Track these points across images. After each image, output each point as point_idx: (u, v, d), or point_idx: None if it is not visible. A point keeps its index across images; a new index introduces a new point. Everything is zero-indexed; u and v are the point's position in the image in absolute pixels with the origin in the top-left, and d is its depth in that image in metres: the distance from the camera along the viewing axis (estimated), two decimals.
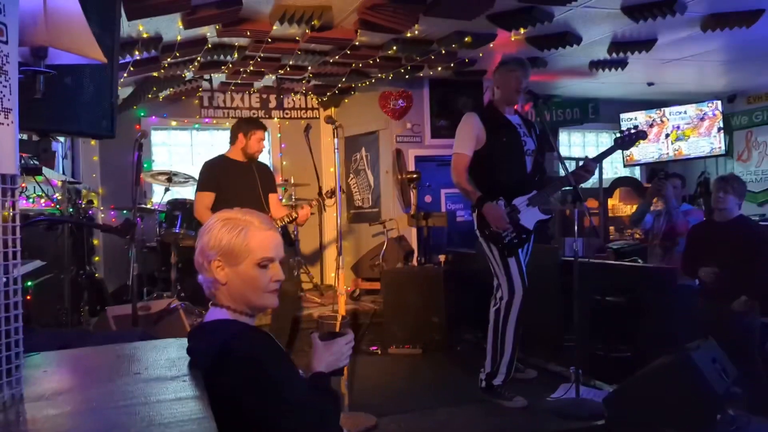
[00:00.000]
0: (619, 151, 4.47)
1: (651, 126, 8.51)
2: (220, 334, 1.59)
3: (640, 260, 5.46)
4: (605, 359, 4.16)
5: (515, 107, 4.09)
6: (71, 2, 1.58)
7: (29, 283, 3.77)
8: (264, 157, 7.73)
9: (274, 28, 4.75)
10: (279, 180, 7.43)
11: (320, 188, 5.12)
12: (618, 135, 3.98)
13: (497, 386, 3.91)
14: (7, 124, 1.32)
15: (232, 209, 1.67)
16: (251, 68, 6.04)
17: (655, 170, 8.99)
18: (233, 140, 4.53)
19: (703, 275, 3.90)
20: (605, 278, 4.32)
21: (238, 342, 1.55)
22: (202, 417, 1.25)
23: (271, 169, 7.76)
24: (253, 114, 7.58)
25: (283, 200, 6.19)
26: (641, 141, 4.11)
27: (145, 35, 4.71)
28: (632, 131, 3.93)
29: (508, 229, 3.78)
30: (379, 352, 5.42)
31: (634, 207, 8.16)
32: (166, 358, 1.69)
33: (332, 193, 4.63)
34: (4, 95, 1.31)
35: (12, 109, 1.34)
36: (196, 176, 6.21)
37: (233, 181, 4.41)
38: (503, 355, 3.89)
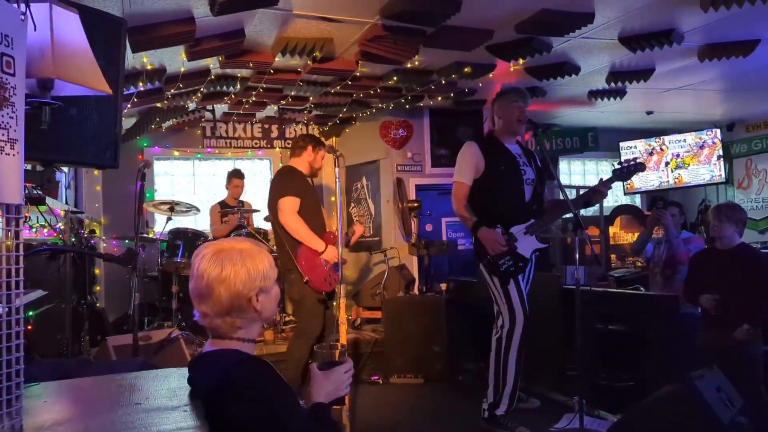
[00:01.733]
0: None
1: (651, 154, 8.56)
2: (222, 363, 1.58)
3: (642, 288, 5.43)
4: (609, 388, 4.12)
5: (514, 139, 4.12)
6: (78, 35, 1.61)
7: (30, 313, 3.76)
8: (266, 187, 7.81)
9: (277, 59, 4.81)
10: None
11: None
12: (617, 166, 4.01)
13: (500, 416, 3.87)
14: (13, 155, 1.34)
15: (220, 242, 1.67)
16: (253, 99, 6.11)
17: (655, 198, 9.02)
18: (299, 152, 4.43)
19: (704, 302, 3.89)
20: (607, 306, 4.30)
21: (239, 371, 1.54)
22: None
23: None
24: (255, 144, 7.64)
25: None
26: (640, 172, 4.13)
27: (149, 67, 4.78)
28: (631, 163, 3.96)
29: (504, 254, 3.79)
30: (381, 382, 5.37)
31: (635, 235, 8.19)
32: (167, 388, 1.68)
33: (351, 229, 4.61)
34: (10, 126, 1.33)
35: (18, 139, 1.35)
36: (198, 206, 6.29)
37: (308, 192, 4.37)
38: (506, 385, 3.86)
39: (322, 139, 5.03)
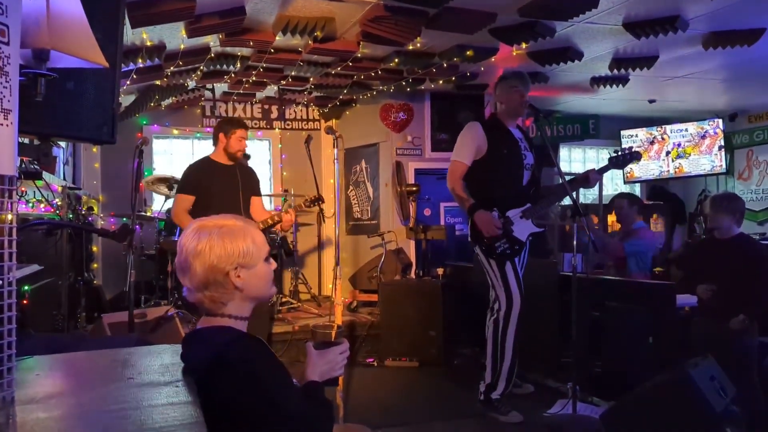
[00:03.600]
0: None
1: (652, 143, 8.54)
2: (214, 340, 1.58)
3: None
4: (603, 375, 4.14)
5: (517, 122, 4.13)
6: (74, 6, 1.58)
7: (26, 288, 3.76)
8: (265, 167, 7.79)
9: (277, 38, 4.77)
10: (279, 190, 7.44)
11: (318, 196, 5.10)
12: (613, 154, 4.04)
13: (495, 400, 3.90)
14: (7, 125, 1.32)
15: (206, 218, 1.67)
16: (253, 78, 6.07)
17: (655, 187, 9.01)
18: (215, 142, 4.54)
19: (700, 293, 3.90)
20: (603, 294, 4.31)
21: (232, 348, 1.54)
22: (193, 422, 1.24)
23: (276, 176, 7.81)
24: (255, 124, 7.61)
25: (282, 209, 6.14)
26: (637, 161, 4.18)
27: (148, 43, 4.74)
28: (627, 152, 3.99)
29: (498, 236, 3.80)
30: (376, 364, 5.40)
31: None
32: (160, 364, 1.68)
33: (314, 202, 4.65)
34: (4, 96, 1.31)
35: (12, 110, 1.34)
36: None
37: (215, 184, 4.37)
38: (503, 364, 3.90)
39: (242, 120, 4.94)
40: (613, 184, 9.21)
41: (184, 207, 4.30)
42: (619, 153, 4.02)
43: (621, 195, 5.35)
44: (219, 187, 4.37)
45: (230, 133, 4.44)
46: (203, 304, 1.64)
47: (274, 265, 1.73)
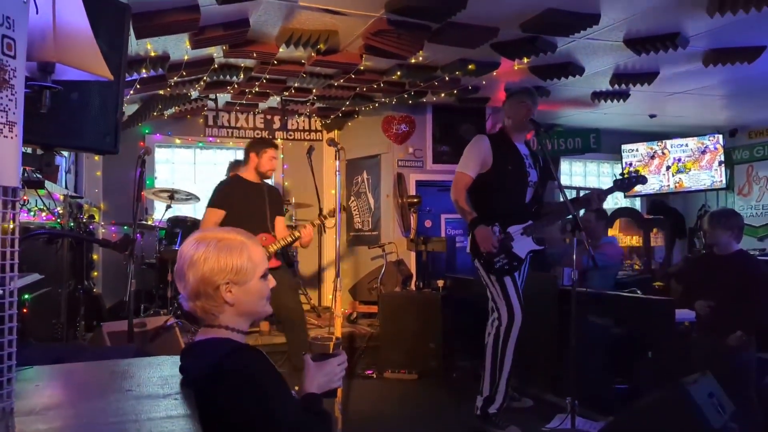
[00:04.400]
0: None
1: (652, 158, 8.55)
2: (214, 352, 1.58)
3: (638, 291, 5.44)
4: (602, 390, 4.12)
5: (523, 138, 4.16)
6: (80, 19, 1.60)
7: (26, 296, 3.76)
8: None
9: (281, 50, 4.80)
10: None
11: (320, 209, 5.13)
12: (618, 177, 4.05)
13: (492, 414, 3.89)
14: (11, 137, 1.33)
15: (210, 229, 1.68)
16: (256, 89, 6.10)
17: (656, 202, 9.01)
18: (246, 160, 4.61)
19: (698, 309, 3.90)
20: (603, 309, 4.31)
21: (231, 360, 1.55)
22: None
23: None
24: (257, 134, 7.64)
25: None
26: (642, 185, 4.18)
27: (152, 54, 4.76)
28: (632, 176, 4.00)
29: (493, 252, 3.81)
30: (375, 376, 5.38)
31: (635, 237, 8.20)
32: (159, 376, 1.68)
33: (333, 213, 4.65)
34: (9, 109, 1.32)
35: (17, 122, 1.35)
36: (198, 194, 6.29)
37: (244, 201, 4.46)
38: (501, 379, 3.89)
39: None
40: (614, 198, 9.22)
41: (213, 220, 4.38)
42: (625, 176, 4.03)
43: (590, 209, 5.41)
44: (248, 204, 4.47)
45: (262, 152, 4.51)
46: (196, 313, 1.65)
47: (272, 283, 1.72)
